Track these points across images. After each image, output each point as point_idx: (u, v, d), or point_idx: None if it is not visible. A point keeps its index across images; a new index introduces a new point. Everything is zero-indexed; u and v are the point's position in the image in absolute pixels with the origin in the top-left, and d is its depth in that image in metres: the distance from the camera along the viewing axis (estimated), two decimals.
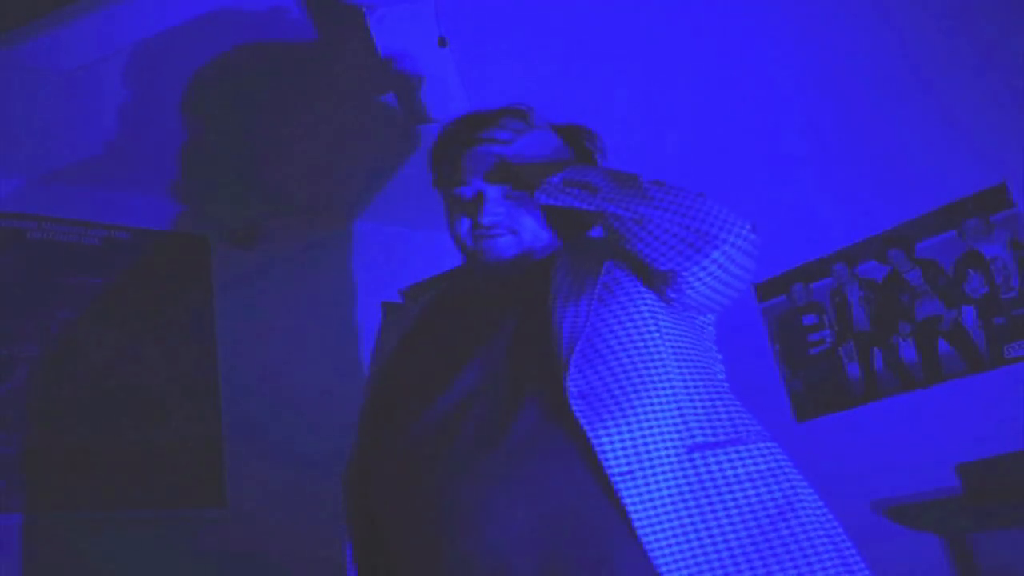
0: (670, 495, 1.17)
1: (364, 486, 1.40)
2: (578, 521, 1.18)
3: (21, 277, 2.34)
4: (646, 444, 1.19)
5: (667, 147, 2.73)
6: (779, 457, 1.26)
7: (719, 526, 1.16)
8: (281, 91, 2.25)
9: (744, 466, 1.22)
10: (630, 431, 1.19)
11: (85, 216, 2.48)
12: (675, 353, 1.30)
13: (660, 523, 1.15)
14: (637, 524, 1.14)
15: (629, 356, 1.26)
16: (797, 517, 1.19)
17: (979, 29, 2.29)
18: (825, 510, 1.24)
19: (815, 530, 1.19)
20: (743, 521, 1.17)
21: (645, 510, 1.15)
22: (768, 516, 1.18)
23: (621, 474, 1.16)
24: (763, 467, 1.23)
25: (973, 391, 2.46)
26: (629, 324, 1.29)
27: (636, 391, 1.23)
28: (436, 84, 1.91)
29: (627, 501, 1.15)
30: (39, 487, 2.19)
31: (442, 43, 1.80)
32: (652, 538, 1.14)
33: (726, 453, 1.22)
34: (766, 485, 1.21)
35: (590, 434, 1.18)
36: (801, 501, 1.21)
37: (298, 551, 2.34)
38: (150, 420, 2.37)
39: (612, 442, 1.18)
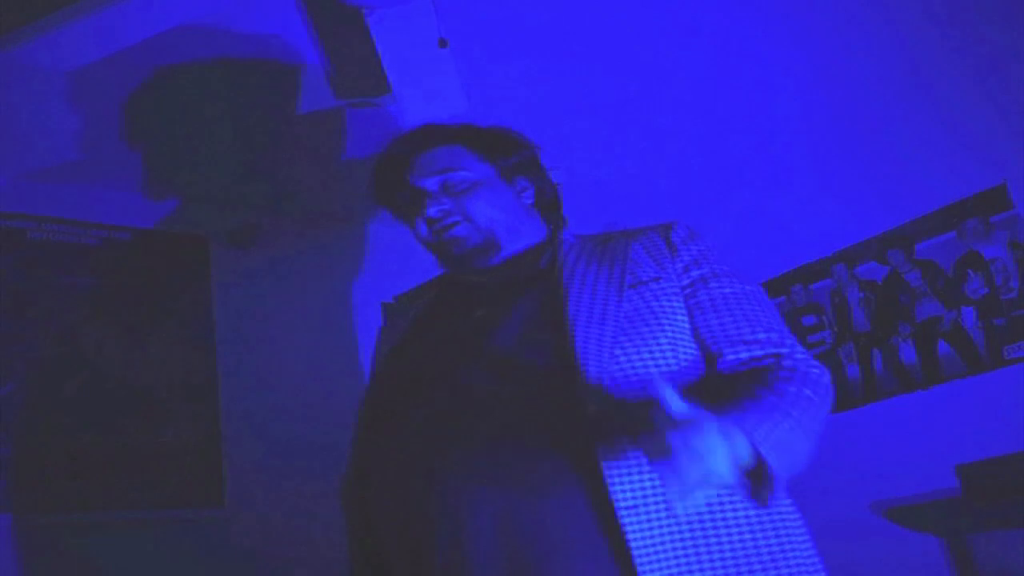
0: (670, 532, 1.17)
1: (362, 493, 1.40)
2: (563, 544, 1.18)
3: (21, 277, 2.34)
4: (652, 479, 1.19)
5: (667, 148, 2.74)
6: (780, 504, 1.27)
7: (712, 568, 1.17)
8: (280, 92, 2.25)
9: (745, 510, 1.23)
10: (639, 465, 1.19)
11: (85, 216, 2.48)
12: (689, 383, 1.30)
13: (659, 559, 1.15)
14: (637, 557, 1.14)
15: (646, 392, 1.25)
16: (788, 566, 1.21)
17: (978, 30, 2.29)
18: (817, 562, 1.26)
19: None
20: (736, 566, 1.18)
21: (646, 545, 1.15)
22: (760, 563, 1.20)
23: (627, 508, 1.17)
24: (763, 514, 1.24)
25: (973, 392, 2.46)
26: (648, 357, 1.29)
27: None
28: (436, 85, 1.91)
29: (630, 534, 1.15)
30: (38, 487, 2.19)
31: (442, 44, 1.80)
32: (650, 572, 1.14)
33: (730, 496, 1.22)
34: (763, 532, 1.22)
35: (603, 463, 1.18)
36: (794, 551, 1.23)
37: (297, 551, 2.34)
38: (149, 420, 2.36)
39: (620, 474, 1.18)
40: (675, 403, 1.07)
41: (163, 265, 2.55)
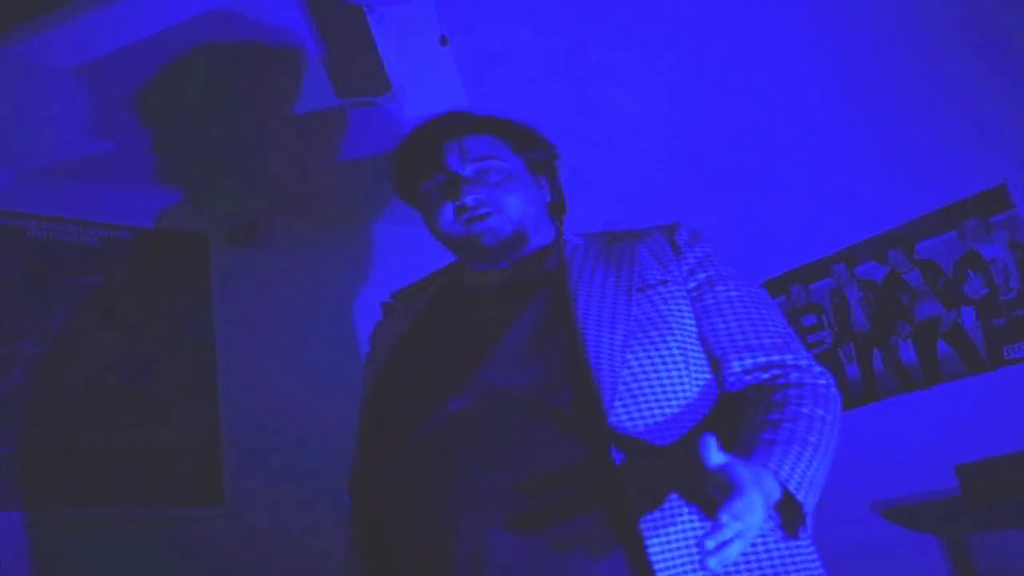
0: (674, 534, 1.18)
1: (368, 490, 1.39)
2: (579, 553, 1.18)
3: (21, 275, 2.34)
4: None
5: (666, 146, 2.73)
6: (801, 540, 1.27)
7: None
8: (281, 90, 2.25)
9: (767, 545, 1.23)
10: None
11: (85, 215, 2.48)
12: (698, 385, 1.32)
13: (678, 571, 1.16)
14: (659, 571, 1.15)
15: (657, 399, 1.26)
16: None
17: (981, 29, 2.29)
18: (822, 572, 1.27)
19: None
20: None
21: (664, 559, 1.15)
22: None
23: (651, 523, 1.17)
24: (792, 547, 1.24)
25: (972, 392, 2.46)
26: (660, 363, 1.29)
27: (662, 435, 1.24)
28: (437, 83, 1.91)
29: (652, 548, 1.15)
30: (38, 485, 2.19)
31: (443, 42, 1.80)
32: None
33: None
34: (775, 543, 1.22)
35: (624, 476, 1.18)
36: (798, 568, 1.23)
37: (297, 549, 2.34)
38: (149, 418, 2.37)
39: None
40: (715, 455, 1.08)
41: (163, 263, 2.55)
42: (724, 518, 1.03)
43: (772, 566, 1.20)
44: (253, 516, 2.38)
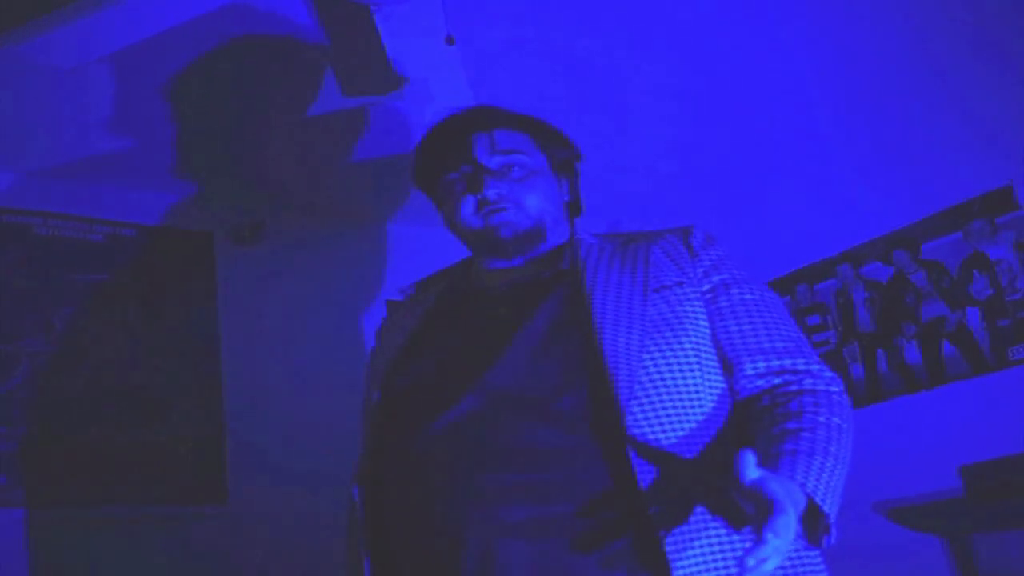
0: (701, 549, 1.17)
1: (373, 490, 1.39)
2: (592, 556, 1.17)
3: (26, 273, 2.34)
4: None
5: (672, 146, 2.73)
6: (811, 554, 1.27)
7: None
8: (286, 88, 2.25)
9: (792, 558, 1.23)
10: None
11: (90, 212, 2.48)
12: (712, 388, 1.31)
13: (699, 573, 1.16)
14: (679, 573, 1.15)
15: (672, 401, 1.26)
16: None
17: (988, 30, 2.29)
18: None
19: None
20: None
21: (683, 560, 1.15)
22: None
23: (675, 539, 1.16)
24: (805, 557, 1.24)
25: (977, 393, 2.46)
26: (675, 365, 1.28)
27: (678, 438, 1.23)
28: (443, 83, 1.91)
29: (672, 555, 1.15)
30: (41, 482, 2.19)
31: (449, 41, 1.80)
32: None
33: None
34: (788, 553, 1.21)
35: (642, 482, 1.18)
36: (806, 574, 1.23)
37: (298, 547, 2.34)
38: (152, 416, 2.37)
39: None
40: (752, 471, 1.07)
41: (168, 261, 2.55)
42: (768, 536, 1.03)
43: (783, 573, 1.20)
44: (255, 515, 2.38)
